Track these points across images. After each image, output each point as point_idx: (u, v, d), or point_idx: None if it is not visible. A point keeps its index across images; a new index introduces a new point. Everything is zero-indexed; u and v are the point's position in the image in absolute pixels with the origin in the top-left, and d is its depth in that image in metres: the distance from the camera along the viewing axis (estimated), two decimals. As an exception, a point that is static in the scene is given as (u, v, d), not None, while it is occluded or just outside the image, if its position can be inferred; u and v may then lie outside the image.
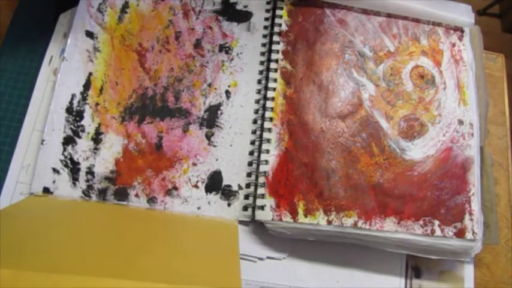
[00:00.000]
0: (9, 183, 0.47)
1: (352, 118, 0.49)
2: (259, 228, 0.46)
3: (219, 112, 0.50)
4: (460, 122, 0.49)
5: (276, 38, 0.51)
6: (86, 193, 0.46)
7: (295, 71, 0.50)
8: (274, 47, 0.51)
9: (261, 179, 0.46)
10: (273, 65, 0.50)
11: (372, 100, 0.49)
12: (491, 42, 0.61)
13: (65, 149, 0.47)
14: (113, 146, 0.48)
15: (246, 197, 0.47)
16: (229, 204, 0.47)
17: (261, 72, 0.51)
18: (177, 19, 0.52)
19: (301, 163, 0.46)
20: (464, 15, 0.54)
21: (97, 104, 0.49)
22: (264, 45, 0.52)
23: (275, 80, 0.49)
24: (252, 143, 0.49)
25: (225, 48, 0.52)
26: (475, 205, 0.46)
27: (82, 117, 0.48)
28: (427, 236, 0.44)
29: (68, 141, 0.48)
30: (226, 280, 0.33)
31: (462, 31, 0.53)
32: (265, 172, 0.46)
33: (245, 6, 0.53)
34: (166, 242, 0.41)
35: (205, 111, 0.50)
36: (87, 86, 0.49)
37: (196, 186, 0.47)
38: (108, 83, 0.50)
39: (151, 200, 0.47)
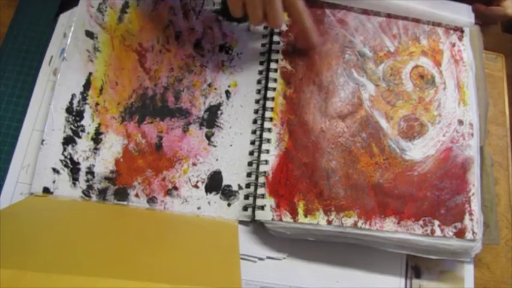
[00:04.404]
0: (9, 183, 0.47)
1: (352, 118, 0.49)
2: (259, 228, 0.46)
3: (219, 112, 0.50)
4: (460, 122, 0.49)
5: (276, 37, 0.51)
6: (86, 193, 0.46)
7: (295, 71, 0.50)
8: (274, 46, 0.51)
9: (261, 179, 0.46)
10: (273, 65, 0.50)
11: (372, 100, 0.49)
12: (491, 42, 0.61)
13: (65, 149, 0.47)
14: (113, 146, 0.48)
15: (246, 197, 0.47)
16: (229, 204, 0.47)
17: (261, 72, 0.51)
18: (177, 19, 0.52)
19: (301, 163, 0.46)
20: (464, 15, 0.54)
21: (97, 104, 0.49)
22: (264, 45, 0.52)
23: (275, 80, 0.49)
24: (252, 143, 0.49)
25: (225, 48, 0.52)
26: (475, 205, 0.46)
27: (82, 117, 0.48)
28: (427, 236, 0.44)
29: (68, 141, 0.48)
30: (226, 280, 0.33)
31: (462, 31, 0.53)
32: (265, 172, 0.46)
33: (245, 6, 0.53)
34: (166, 242, 0.41)
35: (205, 111, 0.50)
36: (87, 86, 0.49)
37: (196, 186, 0.47)
38: (108, 83, 0.50)
39: (151, 200, 0.47)
